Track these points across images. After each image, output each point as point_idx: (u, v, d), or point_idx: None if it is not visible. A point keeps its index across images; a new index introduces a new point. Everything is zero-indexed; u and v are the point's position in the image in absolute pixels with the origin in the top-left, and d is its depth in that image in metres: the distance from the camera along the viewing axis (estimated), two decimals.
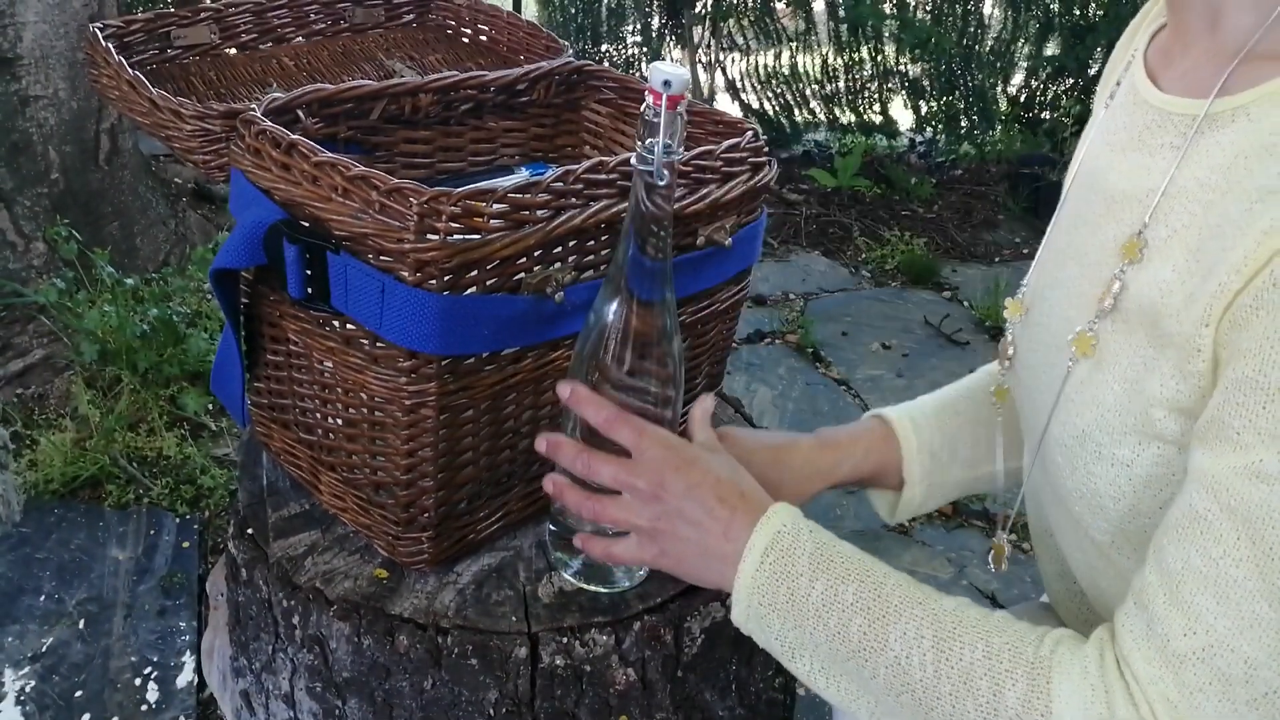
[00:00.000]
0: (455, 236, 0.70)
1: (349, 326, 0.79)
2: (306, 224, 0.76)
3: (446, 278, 0.71)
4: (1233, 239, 0.58)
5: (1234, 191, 0.60)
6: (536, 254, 0.76)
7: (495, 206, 0.72)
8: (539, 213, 0.75)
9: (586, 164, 0.78)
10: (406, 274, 0.71)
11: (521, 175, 0.99)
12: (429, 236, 0.70)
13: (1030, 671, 0.60)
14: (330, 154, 0.75)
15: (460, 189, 0.71)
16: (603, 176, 0.79)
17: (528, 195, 0.74)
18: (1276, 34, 0.61)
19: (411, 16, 1.31)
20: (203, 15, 1.13)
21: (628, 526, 0.74)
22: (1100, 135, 0.75)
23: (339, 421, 0.86)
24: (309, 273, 0.76)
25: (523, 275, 0.76)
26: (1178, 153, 0.65)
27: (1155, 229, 0.65)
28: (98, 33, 1.02)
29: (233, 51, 1.16)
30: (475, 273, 0.73)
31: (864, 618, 0.65)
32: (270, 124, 0.80)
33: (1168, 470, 0.64)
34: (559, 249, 0.78)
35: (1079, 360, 0.69)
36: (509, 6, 3.50)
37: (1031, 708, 0.59)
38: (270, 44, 1.19)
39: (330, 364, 0.82)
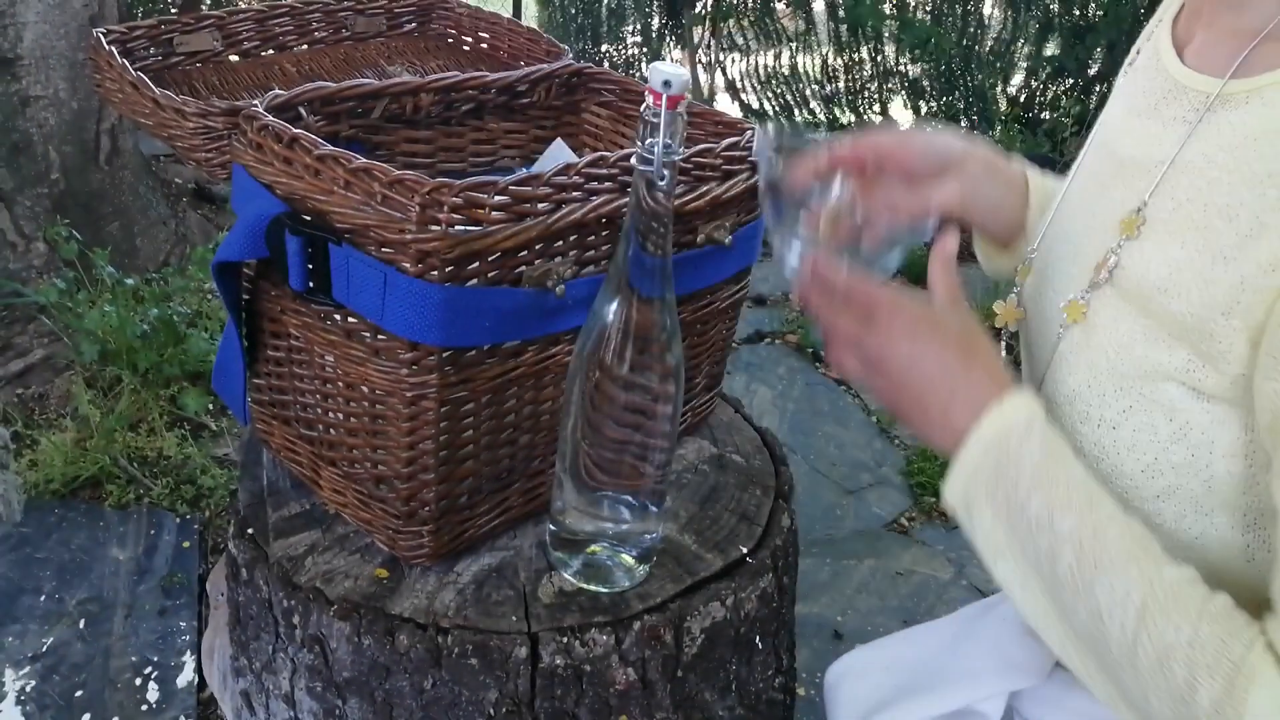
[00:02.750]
0: (457, 228, 0.70)
1: (350, 320, 0.79)
2: (308, 217, 0.76)
3: (448, 269, 0.71)
4: (1249, 227, 0.58)
5: (1241, 172, 0.61)
6: (538, 247, 0.76)
7: (497, 199, 0.72)
8: (540, 206, 0.75)
9: (587, 159, 0.78)
10: (408, 265, 0.71)
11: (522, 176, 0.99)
12: (431, 228, 0.70)
13: (1231, 673, 0.56)
14: (332, 147, 0.75)
15: (462, 181, 0.72)
16: (603, 171, 0.79)
17: (529, 188, 0.74)
18: None
19: (413, 24, 1.31)
20: (205, 22, 1.13)
21: (858, 380, 0.70)
22: (1120, 98, 0.75)
23: (340, 416, 0.86)
24: (310, 266, 0.76)
25: (524, 268, 0.76)
26: (1189, 127, 0.65)
27: (1158, 202, 0.66)
28: (101, 37, 1.02)
29: (235, 58, 1.16)
30: (477, 264, 0.73)
31: (1075, 554, 0.60)
32: (272, 119, 0.80)
33: (1152, 438, 0.64)
34: (560, 243, 0.78)
35: (1069, 326, 0.70)
36: (510, 13, 3.50)
37: (1221, 713, 0.55)
38: (272, 51, 1.19)
39: (331, 358, 0.82)
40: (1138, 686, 0.59)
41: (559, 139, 1.12)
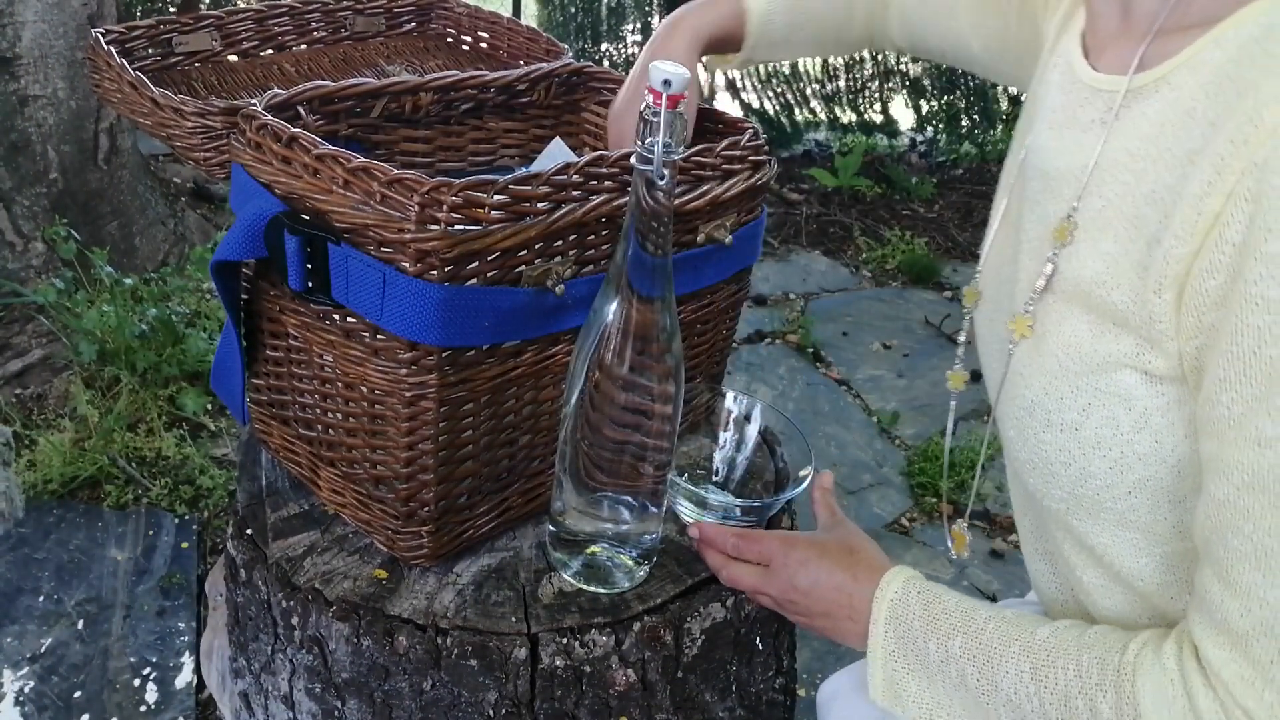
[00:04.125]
0: (456, 227, 0.70)
1: (349, 319, 0.78)
2: (307, 217, 0.76)
3: (447, 268, 0.71)
4: (1171, 204, 0.60)
5: (1163, 159, 0.62)
6: (537, 246, 0.76)
7: (496, 198, 0.72)
8: (540, 205, 0.75)
9: (587, 158, 0.78)
10: (407, 264, 0.71)
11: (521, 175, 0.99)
12: (430, 227, 0.70)
13: (1117, 679, 0.62)
14: (331, 147, 0.75)
15: (461, 180, 0.71)
16: (603, 170, 0.79)
17: (529, 187, 0.74)
18: (1180, 9, 0.64)
19: (412, 24, 1.31)
20: (204, 22, 1.13)
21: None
22: (1041, 113, 0.76)
23: (339, 416, 0.85)
24: (309, 265, 0.76)
25: (523, 268, 0.76)
26: (1107, 127, 0.67)
27: (1087, 204, 0.67)
28: (100, 37, 1.02)
29: (234, 58, 1.16)
30: (476, 264, 0.72)
31: (974, 665, 0.69)
32: (271, 118, 0.80)
33: (1115, 431, 0.65)
34: (559, 242, 0.77)
35: (1018, 342, 0.72)
36: (509, 12, 3.50)
37: (1122, 714, 0.62)
38: (271, 51, 1.19)
39: (330, 358, 0.82)
40: None
41: (558, 138, 1.11)
